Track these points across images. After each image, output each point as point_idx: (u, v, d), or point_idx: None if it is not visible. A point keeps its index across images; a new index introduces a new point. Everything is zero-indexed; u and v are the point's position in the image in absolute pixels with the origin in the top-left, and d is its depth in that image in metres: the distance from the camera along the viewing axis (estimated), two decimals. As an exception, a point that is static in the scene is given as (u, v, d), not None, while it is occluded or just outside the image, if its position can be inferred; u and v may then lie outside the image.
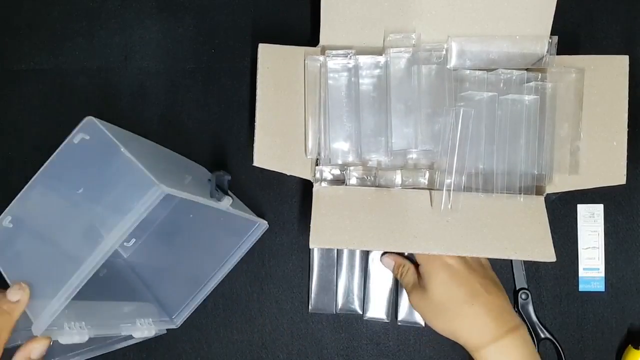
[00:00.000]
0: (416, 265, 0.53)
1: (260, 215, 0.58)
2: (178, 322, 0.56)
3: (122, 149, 0.41)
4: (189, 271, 0.56)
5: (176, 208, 0.58)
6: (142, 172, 0.39)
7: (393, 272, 0.56)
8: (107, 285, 0.55)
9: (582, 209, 0.57)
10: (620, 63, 0.52)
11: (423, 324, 0.57)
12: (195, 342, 0.58)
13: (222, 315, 0.58)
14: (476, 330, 0.47)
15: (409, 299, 0.52)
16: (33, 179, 0.45)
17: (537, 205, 0.52)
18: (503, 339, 0.46)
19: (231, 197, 0.49)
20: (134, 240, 0.58)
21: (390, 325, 0.57)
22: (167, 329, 0.55)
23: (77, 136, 0.44)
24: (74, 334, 0.41)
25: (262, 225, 0.56)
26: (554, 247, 0.50)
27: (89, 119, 0.45)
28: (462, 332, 0.48)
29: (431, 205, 0.52)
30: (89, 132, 0.44)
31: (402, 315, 0.57)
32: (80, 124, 0.45)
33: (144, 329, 0.50)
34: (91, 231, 0.40)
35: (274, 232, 0.59)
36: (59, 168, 0.45)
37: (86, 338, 0.43)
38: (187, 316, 0.56)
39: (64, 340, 0.41)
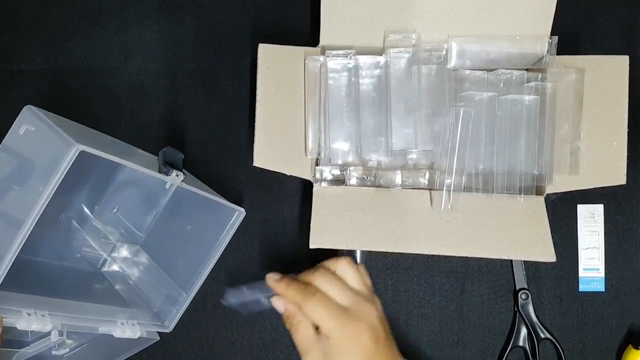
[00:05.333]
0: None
1: (261, 215, 0.58)
2: (170, 326, 0.56)
3: (55, 127, 0.43)
4: (177, 275, 0.57)
5: (166, 214, 0.58)
6: (65, 139, 0.41)
7: (283, 319, 0.47)
8: (104, 296, 0.56)
9: (582, 209, 0.57)
10: (620, 63, 0.53)
11: None
12: (195, 342, 0.58)
13: (222, 316, 0.58)
14: None
15: (304, 358, 0.44)
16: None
17: (537, 205, 0.52)
18: None
19: (184, 174, 0.50)
20: (126, 249, 0.58)
21: (391, 325, 0.57)
22: (161, 334, 0.56)
23: (22, 127, 0.45)
24: (33, 320, 0.43)
25: (240, 212, 0.55)
26: (554, 247, 0.50)
27: (28, 108, 0.46)
28: None
29: (431, 205, 0.52)
30: (32, 122, 0.45)
31: None
32: (20, 115, 0.46)
33: (125, 329, 0.50)
34: (28, 201, 0.42)
35: (274, 232, 0.58)
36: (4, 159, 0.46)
37: (48, 327, 0.44)
38: (179, 318, 0.56)
39: (21, 325, 0.42)
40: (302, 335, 0.44)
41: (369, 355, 0.44)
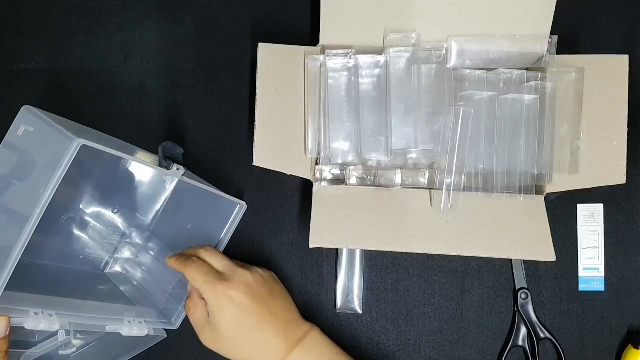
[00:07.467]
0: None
1: (261, 215, 0.58)
2: (177, 323, 0.56)
3: (54, 124, 0.43)
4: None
5: (167, 212, 0.58)
6: (66, 135, 0.41)
7: (185, 305, 0.53)
8: (108, 295, 0.56)
9: (582, 209, 0.57)
10: (620, 63, 0.53)
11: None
12: (196, 342, 0.57)
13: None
14: (270, 352, 0.50)
15: (200, 337, 0.51)
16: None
17: (537, 205, 0.52)
18: (294, 352, 0.50)
19: (184, 169, 0.50)
20: (128, 250, 0.58)
21: (391, 325, 0.57)
22: (168, 332, 0.56)
23: (20, 128, 0.45)
24: (41, 320, 0.43)
25: (242, 206, 0.56)
26: (554, 247, 0.51)
27: (26, 108, 0.46)
28: (258, 357, 0.50)
29: (431, 205, 0.52)
30: (30, 122, 0.45)
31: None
32: (18, 115, 0.46)
33: (132, 327, 0.50)
34: (32, 197, 0.42)
35: (274, 232, 0.58)
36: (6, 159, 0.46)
37: (56, 326, 0.44)
38: (184, 315, 0.56)
39: (29, 325, 0.42)
40: (197, 317, 0.51)
41: (245, 309, 0.49)
